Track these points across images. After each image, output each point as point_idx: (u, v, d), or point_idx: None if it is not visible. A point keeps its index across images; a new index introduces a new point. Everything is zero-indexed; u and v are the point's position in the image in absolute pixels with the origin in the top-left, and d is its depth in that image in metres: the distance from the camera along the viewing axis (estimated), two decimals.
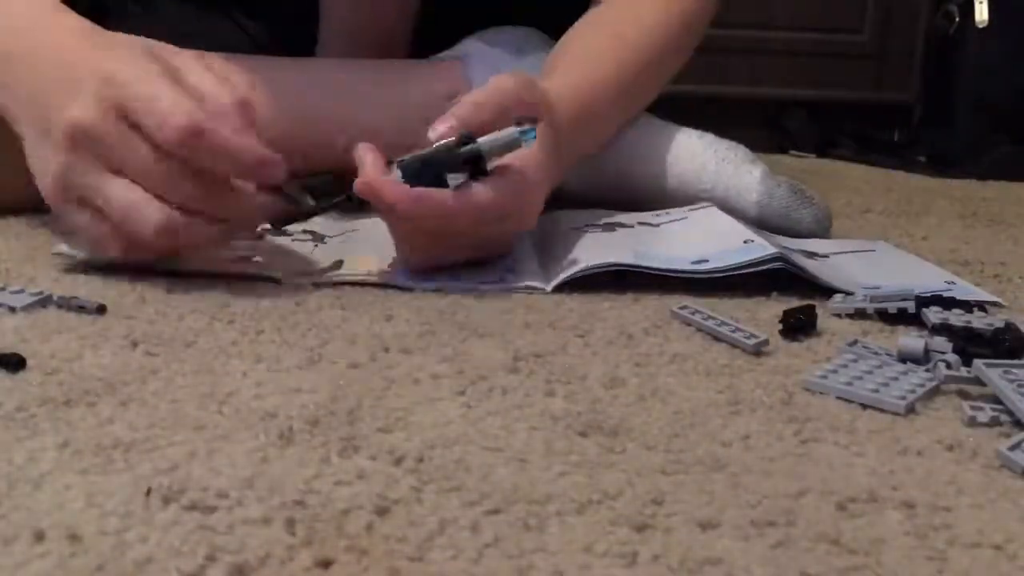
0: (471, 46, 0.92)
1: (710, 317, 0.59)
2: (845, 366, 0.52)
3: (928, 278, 0.73)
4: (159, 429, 0.42)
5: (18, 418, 0.43)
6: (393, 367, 0.51)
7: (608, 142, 0.88)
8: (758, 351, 0.56)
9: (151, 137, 0.58)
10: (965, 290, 0.70)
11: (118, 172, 0.59)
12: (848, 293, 0.66)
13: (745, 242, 0.70)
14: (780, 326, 0.59)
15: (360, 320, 0.59)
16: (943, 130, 1.51)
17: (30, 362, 0.49)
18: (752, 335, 0.56)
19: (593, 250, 0.71)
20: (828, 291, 0.67)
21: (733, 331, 0.57)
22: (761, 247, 0.68)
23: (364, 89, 0.88)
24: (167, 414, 0.44)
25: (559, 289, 0.66)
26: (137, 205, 0.59)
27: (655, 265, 0.67)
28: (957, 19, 1.47)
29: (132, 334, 0.54)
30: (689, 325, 0.60)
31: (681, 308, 0.61)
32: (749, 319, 0.62)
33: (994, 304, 0.68)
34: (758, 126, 1.62)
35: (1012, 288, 0.74)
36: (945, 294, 0.66)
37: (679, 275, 0.67)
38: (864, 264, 0.77)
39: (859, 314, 0.64)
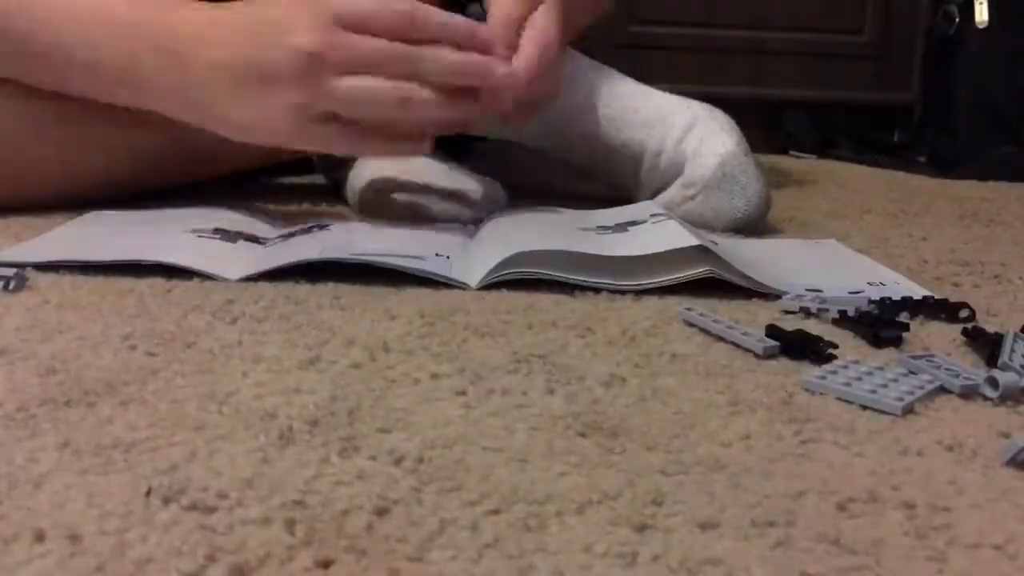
0: None
1: (717, 320, 0.59)
2: (845, 367, 0.52)
3: (850, 278, 0.71)
4: (159, 429, 0.42)
5: (18, 418, 0.43)
6: (393, 367, 0.51)
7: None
8: (769, 355, 0.55)
9: (375, 30, 0.68)
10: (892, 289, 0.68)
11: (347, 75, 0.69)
12: (784, 293, 0.66)
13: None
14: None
15: (360, 320, 0.59)
16: (943, 130, 1.51)
17: (31, 362, 0.49)
18: (762, 338, 0.56)
19: (529, 243, 0.69)
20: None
21: (743, 334, 0.57)
22: (691, 239, 0.67)
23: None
24: (167, 414, 0.44)
25: (559, 289, 0.66)
26: (373, 88, 0.69)
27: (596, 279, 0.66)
28: (957, 19, 1.47)
29: (132, 334, 0.54)
30: (692, 326, 0.60)
31: (687, 309, 0.61)
32: (749, 321, 0.62)
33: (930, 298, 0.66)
34: (758, 126, 1.62)
35: (1012, 288, 0.74)
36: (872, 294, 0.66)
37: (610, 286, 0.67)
38: (800, 257, 0.78)
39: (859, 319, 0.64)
